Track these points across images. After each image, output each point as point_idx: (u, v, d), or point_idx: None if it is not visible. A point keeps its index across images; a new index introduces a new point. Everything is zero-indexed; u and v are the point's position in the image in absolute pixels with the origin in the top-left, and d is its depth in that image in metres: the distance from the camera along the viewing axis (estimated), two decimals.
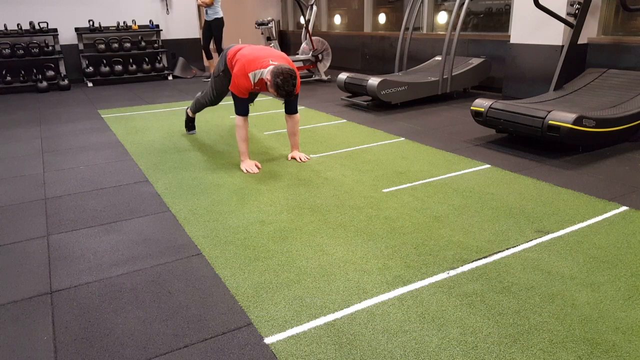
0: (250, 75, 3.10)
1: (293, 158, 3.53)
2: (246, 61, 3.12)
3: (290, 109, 3.41)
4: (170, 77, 8.28)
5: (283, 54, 3.30)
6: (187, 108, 4.26)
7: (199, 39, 8.84)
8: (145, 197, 2.90)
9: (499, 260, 2.07)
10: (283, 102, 3.37)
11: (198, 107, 4.07)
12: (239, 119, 3.24)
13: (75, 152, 3.90)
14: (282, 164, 3.45)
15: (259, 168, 3.30)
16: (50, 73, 7.28)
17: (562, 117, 3.26)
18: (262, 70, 3.08)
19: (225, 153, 3.76)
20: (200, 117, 5.06)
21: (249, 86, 3.13)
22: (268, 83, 3.00)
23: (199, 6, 7.16)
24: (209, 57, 7.45)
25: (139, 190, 3.00)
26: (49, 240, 2.37)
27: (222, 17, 7.15)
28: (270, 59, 3.12)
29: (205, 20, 7.21)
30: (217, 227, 2.46)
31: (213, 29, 7.19)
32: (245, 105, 3.24)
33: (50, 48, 7.33)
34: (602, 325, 1.63)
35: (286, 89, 2.96)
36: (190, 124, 4.34)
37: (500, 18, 6.07)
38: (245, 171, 3.25)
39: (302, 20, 8.46)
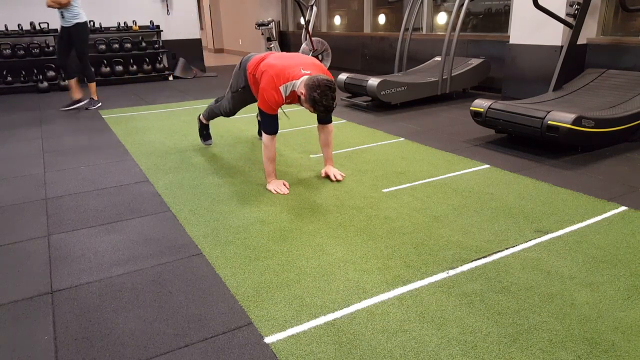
0: (282, 88, 2.72)
1: (327, 175, 3.13)
2: (275, 73, 2.74)
3: (325, 119, 3.02)
4: (170, 78, 8.29)
5: (314, 60, 2.90)
6: (200, 115, 3.90)
7: (200, 39, 8.85)
8: (145, 197, 2.90)
9: (499, 260, 2.08)
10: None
11: (212, 116, 3.76)
12: (267, 138, 2.86)
13: (76, 152, 3.91)
14: (282, 164, 3.45)
15: (287, 188, 2.95)
16: (51, 73, 7.29)
17: (561, 118, 3.27)
18: (294, 81, 2.71)
19: (225, 152, 3.76)
20: None
21: (280, 101, 2.76)
22: (302, 97, 2.65)
23: (49, 6, 5.10)
24: (70, 75, 5.55)
25: (140, 190, 3.01)
26: (49, 240, 2.37)
27: (85, 22, 5.32)
28: (302, 68, 2.75)
29: (62, 27, 5.31)
30: (217, 227, 2.47)
31: (74, 38, 5.33)
32: (275, 122, 2.84)
33: (51, 48, 7.33)
34: (602, 325, 1.64)
35: (324, 104, 2.59)
36: (204, 133, 3.95)
37: (499, 18, 6.08)
38: (274, 192, 2.90)
39: (302, 21, 8.47)
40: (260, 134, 4.05)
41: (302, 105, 2.72)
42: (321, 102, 2.58)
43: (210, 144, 3.99)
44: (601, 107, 3.78)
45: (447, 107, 5.32)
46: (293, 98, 2.80)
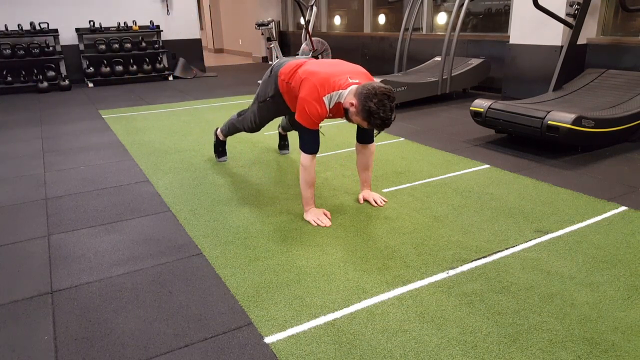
0: (325, 99, 2.32)
1: (365, 200, 2.75)
2: (318, 81, 2.33)
3: (366, 137, 2.62)
4: (170, 78, 8.29)
5: (360, 67, 2.50)
6: (217, 129, 3.51)
7: (199, 39, 8.85)
8: (145, 197, 2.90)
9: (499, 260, 2.08)
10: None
11: (232, 131, 3.32)
12: (306, 158, 2.42)
13: (76, 152, 3.91)
14: (282, 164, 3.45)
15: (329, 218, 2.53)
16: (51, 73, 7.29)
17: (561, 118, 3.27)
18: (340, 91, 2.31)
19: (227, 152, 3.76)
20: (202, 118, 5.07)
21: (323, 114, 2.35)
22: (352, 109, 2.25)
23: None
24: None
25: (140, 190, 3.01)
26: (49, 240, 2.37)
27: None
28: (349, 76, 2.35)
29: None
30: (217, 227, 2.47)
31: None
32: (317, 138, 2.42)
33: (51, 48, 7.34)
34: (602, 325, 1.64)
35: (382, 116, 2.16)
36: (220, 149, 3.56)
37: (499, 18, 6.08)
38: (313, 223, 2.48)
39: (302, 21, 8.47)
40: (281, 148, 3.76)
41: (349, 119, 2.33)
42: (378, 114, 2.16)
43: (225, 161, 3.59)
44: (601, 107, 3.78)
45: (447, 107, 5.32)
46: (337, 111, 2.41)
